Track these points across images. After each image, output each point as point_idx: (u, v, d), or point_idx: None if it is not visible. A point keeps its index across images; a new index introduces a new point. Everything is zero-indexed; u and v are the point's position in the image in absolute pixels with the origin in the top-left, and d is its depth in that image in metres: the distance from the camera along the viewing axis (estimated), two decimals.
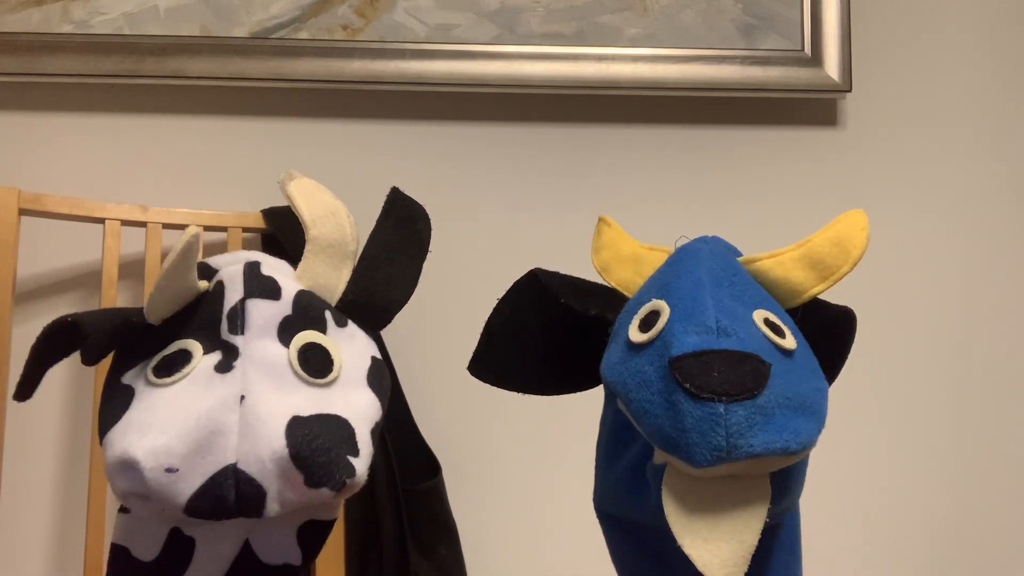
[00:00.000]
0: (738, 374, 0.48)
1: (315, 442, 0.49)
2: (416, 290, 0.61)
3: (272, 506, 0.49)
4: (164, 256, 1.13)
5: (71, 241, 1.17)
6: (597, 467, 0.60)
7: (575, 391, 0.62)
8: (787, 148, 1.29)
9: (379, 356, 0.57)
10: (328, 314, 0.56)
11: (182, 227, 1.12)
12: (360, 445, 0.51)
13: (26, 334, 1.16)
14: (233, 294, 0.55)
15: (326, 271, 0.58)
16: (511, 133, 1.26)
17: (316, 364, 0.53)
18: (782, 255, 0.56)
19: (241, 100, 1.23)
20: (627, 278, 0.60)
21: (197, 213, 1.13)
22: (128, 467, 0.48)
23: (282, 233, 1.12)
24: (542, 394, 0.63)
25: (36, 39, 1.17)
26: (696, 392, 0.47)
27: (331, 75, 1.20)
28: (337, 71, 1.20)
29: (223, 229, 1.14)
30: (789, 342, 0.52)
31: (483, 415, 1.22)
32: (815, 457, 1.28)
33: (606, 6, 1.24)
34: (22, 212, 1.06)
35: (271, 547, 0.55)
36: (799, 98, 1.29)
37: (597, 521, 0.62)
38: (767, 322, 0.52)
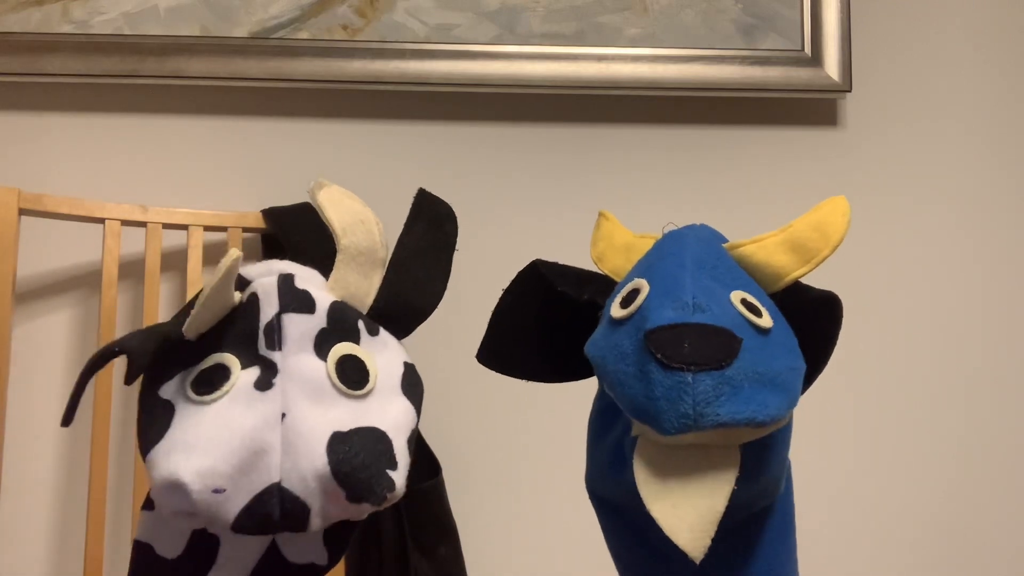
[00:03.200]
0: (708, 346, 0.50)
1: (356, 459, 0.51)
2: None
3: (315, 521, 0.51)
4: (165, 256, 1.13)
5: (71, 241, 1.17)
6: (587, 447, 0.61)
7: (576, 379, 0.63)
8: (787, 148, 1.29)
9: (411, 361, 0.58)
10: (361, 324, 0.57)
11: (182, 227, 1.12)
12: (398, 457, 0.53)
13: (26, 334, 1.17)
14: (269, 308, 0.55)
15: (357, 280, 0.59)
16: (511, 133, 1.26)
17: (353, 376, 0.54)
18: (765, 240, 0.57)
19: (241, 100, 1.23)
20: (619, 265, 0.62)
21: (197, 213, 1.13)
22: (176, 489, 0.49)
23: (282, 233, 1.12)
24: (546, 381, 0.64)
25: (36, 39, 1.17)
26: (667, 362, 0.49)
27: (331, 75, 1.20)
28: (337, 71, 1.20)
29: (223, 229, 1.14)
30: (765, 321, 0.53)
31: (483, 415, 1.22)
32: (814, 451, 1.28)
33: (606, 6, 1.24)
34: (22, 212, 1.06)
35: (298, 547, 0.56)
36: (799, 98, 1.29)
37: (597, 521, 0.62)
38: (744, 302, 0.54)
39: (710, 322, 0.51)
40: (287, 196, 1.16)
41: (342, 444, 0.51)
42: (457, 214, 0.64)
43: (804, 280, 0.57)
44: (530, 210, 1.25)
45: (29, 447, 1.15)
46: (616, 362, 0.52)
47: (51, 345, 1.17)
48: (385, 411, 0.54)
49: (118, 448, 1.14)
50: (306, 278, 0.58)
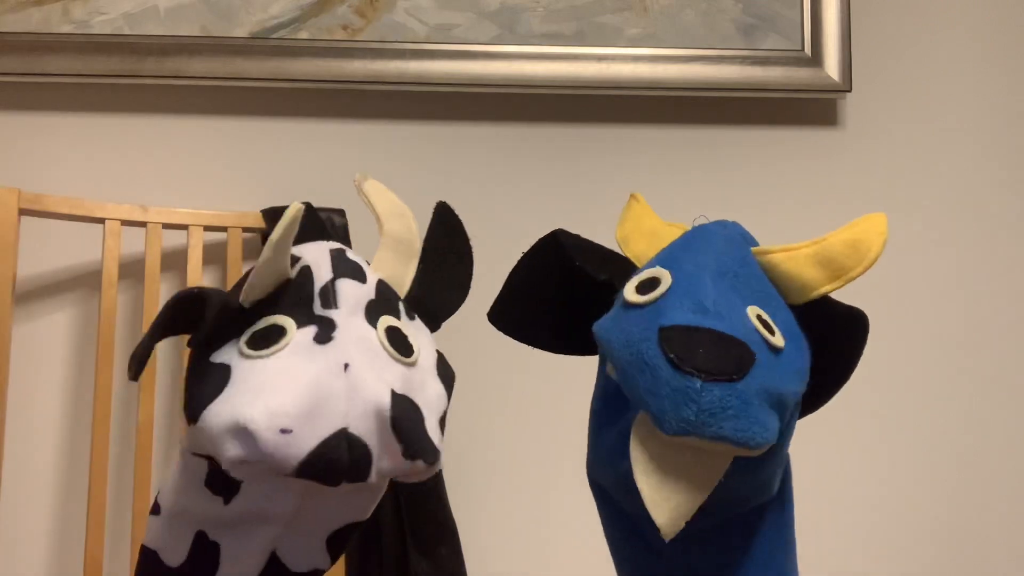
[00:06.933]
0: (723, 355, 0.49)
1: (415, 417, 0.51)
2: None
3: (373, 474, 0.49)
4: (165, 256, 1.13)
5: (71, 241, 1.17)
6: (589, 434, 0.61)
7: (581, 354, 0.62)
8: (787, 148, 1.29)
9: (441, 352, 0.59)
10: (401, 305, 0.58)
11: (182, 227, 1.12)
12: (432, 435, 0.52)
13: (26, 334, 1.17)
14: (323, 273, 0.55)
15: (396, 265, 0.60)
16: (511, 133, 1.26)
17: (400, 346, 0.54)
18: (796, 250, 0.56)
19: (241, 100, 1.23)
20: (641, 251, 0.61)
21: (197, 213, 1.13)
22: (240, 432, 0.48)
23: None
24: (552, 351, 0.63)
25: (36, 39, 1.17)
26: (678, 364, 0.48)
27: (331, 75, 1.20)
28: (337, 71, 1.20)
29: (223, 229, 1.14)
30: (778, 340, 0.52)
31: (483, 415, 1.22)
32: (815, 450, 1.28)
33: (606, 6, 1.24)
34: (22, 212, 1.06)
35: (299, 555, 0.55)
36: (799, 98, 1.29)
37: (597, 521, 0.62)
38: (759, 318, 0.53)
39: (726, 331, 0.50)
40: (287, 196, 1.16)
41: (401, 401, 0.51)
42: (456, 214, 0.64)
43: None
44: (530, 210, 1.25)
45: (29, 447, 1.15)
46: (622, 348, 0.51)
47: (51, 345, 1.17)
48: (424, 388, 0.54)
49: (118, 448, 1.13)
50: (355, 255, 0.58)
